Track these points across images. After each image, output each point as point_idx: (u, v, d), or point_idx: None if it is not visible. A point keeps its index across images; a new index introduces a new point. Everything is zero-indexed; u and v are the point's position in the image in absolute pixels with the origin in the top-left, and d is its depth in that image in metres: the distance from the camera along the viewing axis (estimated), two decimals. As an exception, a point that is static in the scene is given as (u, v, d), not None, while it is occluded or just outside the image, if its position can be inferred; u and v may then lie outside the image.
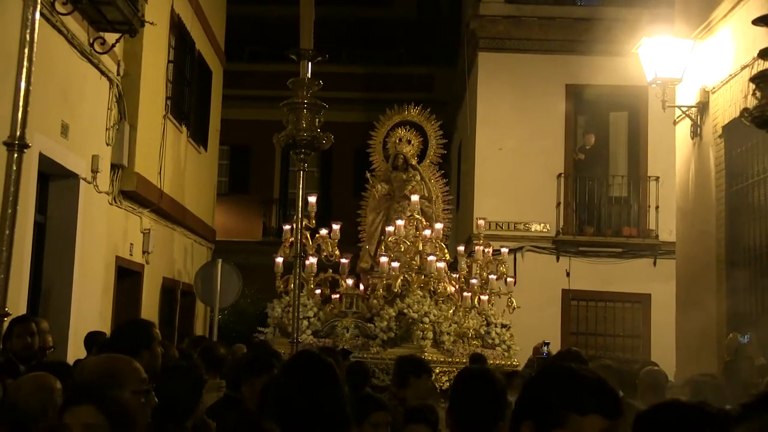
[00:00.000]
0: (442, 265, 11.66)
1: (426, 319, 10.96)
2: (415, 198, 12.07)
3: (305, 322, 11.32)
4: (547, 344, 12.70)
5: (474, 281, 12.09)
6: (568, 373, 2.35)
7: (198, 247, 18.16)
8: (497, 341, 11.91)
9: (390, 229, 11.88)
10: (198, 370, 4.94)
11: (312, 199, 12.02)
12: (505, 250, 13.03)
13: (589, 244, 16.93)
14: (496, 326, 12.04)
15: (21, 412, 4.23)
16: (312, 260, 11.84)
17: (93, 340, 8.55)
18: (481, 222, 12.76)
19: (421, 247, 11.75)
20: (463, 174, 19.30)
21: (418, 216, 12.12)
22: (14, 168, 2.84)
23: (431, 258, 11.49)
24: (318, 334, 11.37)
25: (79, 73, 10.39)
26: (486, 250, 12.38)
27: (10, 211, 2.76)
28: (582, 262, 16.75)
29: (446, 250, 11.99)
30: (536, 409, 2.27)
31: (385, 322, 11.02)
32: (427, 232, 11.85)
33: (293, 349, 5.49)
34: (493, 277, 12.35)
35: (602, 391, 2.28)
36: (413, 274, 11.54)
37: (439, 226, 12.07)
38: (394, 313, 11.06)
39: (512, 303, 12.28)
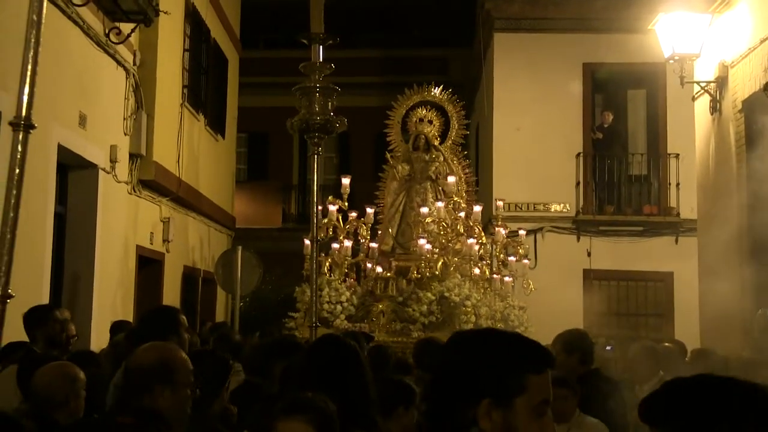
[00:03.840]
0: (476, 248, 11.60)
1: (468, 303, 10.86)
2: (451, 179, 11.95)
3: (339, 307, 11.21)
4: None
5: (484, 262, 11.99)
6: (502, 338, 2.24)
7: (218, 234, 18.22)
8: (516, 323, 11.85)
9: (424, 210, 11.74)
10: (223, 355, 4.96)
11: (345, 180, 11.94)
12: (522, 232, 12.91)
13: (610, 223, 16.85)
14: (514, 308, 11.96)
15: (43, 399, 4.27)
16: (347, 244, 11.75)
17: (119, 328, 8.58)
18: (500, 203, 12.65)
19: (462, 230, 11.68)
20: (481, 155, 19.25)
21: (457, 198, 12.04)
22: (20, 149, 2.82)
23: (471, 241, 11.42)
24: (352, 319, 11.21)
25: (95, 64, 10.42)
26: (503, 231, 12.27)
27: (15, 191, 2.75)
28: (603, 241, 16.68)
29: (483, 234, 11.87)
30: (491, 384, 2.12)
31: (425, 306, 10.91)
32: (461, 214, 11.79)
33: (311, 334, 5.47)
34: (512, 258, 12.27)
35: (543, 347, 2.21)
36: (450, 257, 11.46)
37: (477, 208, 11.93)
38: (433, 297, 10.93)
39: (529, 285, 12.17)
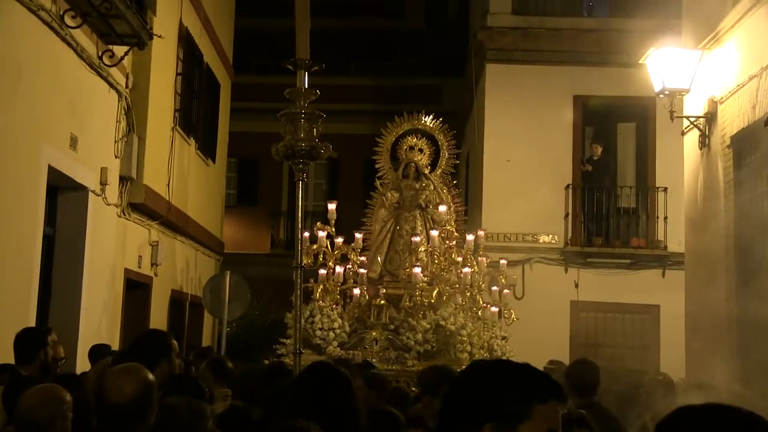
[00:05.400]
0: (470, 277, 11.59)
1: (464, 332, 10.84)
2: (443, 208, 11.96)
3: (331, 334, 11.13)
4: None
5: (476, 291, 11.97)
6: (511, 367, 2.31)
7: (206, 259, 18.18)
8: (499, 352, 11.81)
9: (416, 239, 11.74)
10: (197, 379, 4.96)
11: (332, 206, 11.93)
12: (504, 261, 12.87)
13: (598, 255, 16.89)
14: (497, 338, 11.94)
15: (28, 423, 4.22)
16: (339, 270, 11.71)
17: (97, 353, 8.52)
18: (482, 233, 12.59)
19: (458, 259, 11.68)
20: (471, 185, 19.29)
21: (449, 227, 12.04)
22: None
23: (467, 270, 11.41)
24: (344, 346, 11.15)
25: (88, 86, 10.42)
26: (483, 260, 12.23)
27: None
28: (590, 273, 16.71)
29: (476, 262, 11.86)
30: (497, 409, 2.19)
31: (420, 335, 10.89)
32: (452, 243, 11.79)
33: (295, 361, 5.43)
34: (495, 288, 12.25)
35: (549, 378, 2.27)
36: (443, 286, 11.45)
37: (470, 237, 11.91)
38: (428, 326, 10.91)
39: (511, 314, 12.15)
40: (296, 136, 5.21)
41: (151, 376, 4.06)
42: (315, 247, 11.45)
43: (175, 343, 4.96)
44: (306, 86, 5.25)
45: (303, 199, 5.50)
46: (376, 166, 13.06)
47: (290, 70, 5.32)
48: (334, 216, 11.80)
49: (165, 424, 3.87)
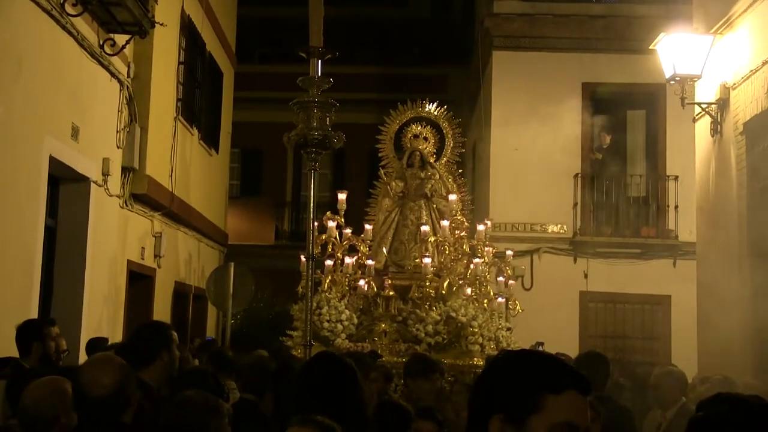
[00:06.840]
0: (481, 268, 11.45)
1: (475, 323, 10.70)
2: (453, 197, 11.75)
3: (339, 326, 10.99)
4: (541, 344, 12.26)
5: (487, 282, 11.83)
6: (525, 356, 2.20)
7: (210, 250, 18.07)
8: (504, 344, 11.66)
9: (425, 228, 11.54)
10: (214, 375, 4.91)
11: (342, 196, 11.75)
12: (510, 252, 12.67)
13: (607, 245, 16.72)
14: (503, 329, 11.78)
15: (31, 416, 4.22)
16: (348, 261, 11.54)
17: (95, 346, 8.44)
18: (488, 223, 12.34)
19: (468, 249, 11.52)
20: (478, 175, 19.14)
21: (460, 217, 11.86)
22: None
23: (477, 260, 11.26)
24: (353, 338, 10.96)
25: (89, 75, 10.29)
26: (490, 250, 12.05)
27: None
28: (600, 263, 16.56)
29: (485, 253, 11.68)
30: (505, 400, 2.09)
31: (431, 326, 10.74)
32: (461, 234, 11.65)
33: (306, 354, 5.37)
34: (501, 279, 12.09)
35: (567, 367, 2.14)
36: (453, 277, 11.30)
37: (481, 228, 11.72)
38: (438, 317, 10.77)
39: (516, 306, 11.97)
40: (309, 124, 5.15)
41: (122, 361, 4.08)
42: (324, 237, 11.31)
43: (175, 334, 4.88)
44: (319, 74, 5.19)
45: (309, 189, 5.43)
46: (380, 154, 12.86)
47: (293, 59, 5.28)
48: (344, 206, 11.62)
49: (177, 415, 3.84)
